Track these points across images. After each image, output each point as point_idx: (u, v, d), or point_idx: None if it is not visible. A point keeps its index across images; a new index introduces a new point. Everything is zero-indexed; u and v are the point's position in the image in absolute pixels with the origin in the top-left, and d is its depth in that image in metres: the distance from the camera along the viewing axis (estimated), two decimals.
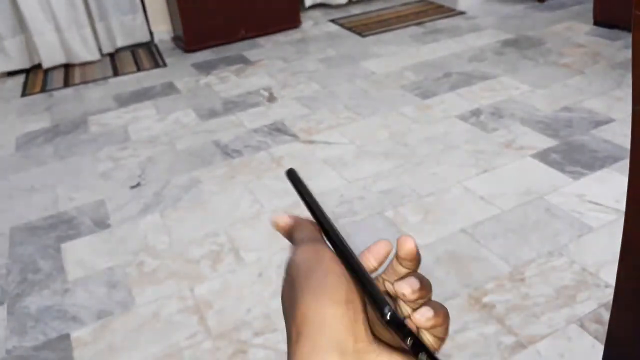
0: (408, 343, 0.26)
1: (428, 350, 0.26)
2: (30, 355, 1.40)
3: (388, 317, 0.27)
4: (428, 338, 0.29)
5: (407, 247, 0.31)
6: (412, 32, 3.46)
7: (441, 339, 0.29)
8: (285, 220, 0.35)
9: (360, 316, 0.28)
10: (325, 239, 0.33)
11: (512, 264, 1.53)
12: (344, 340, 0.26)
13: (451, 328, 1.19)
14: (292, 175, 0.36)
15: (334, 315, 0.26)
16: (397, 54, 3.13)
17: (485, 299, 1.42)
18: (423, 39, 3.32)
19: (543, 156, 2.01)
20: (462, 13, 3.70)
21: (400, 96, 2.60)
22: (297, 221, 0.35)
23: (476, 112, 2.37)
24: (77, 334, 1.45)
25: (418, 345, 0.26)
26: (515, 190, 1.84)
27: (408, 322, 0.29)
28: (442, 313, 0.29)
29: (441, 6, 3.89)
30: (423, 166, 2.03)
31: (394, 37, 3.41)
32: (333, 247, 0.32)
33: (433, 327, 0.28)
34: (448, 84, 2.66)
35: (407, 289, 0.29)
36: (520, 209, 1.75)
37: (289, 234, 0.34)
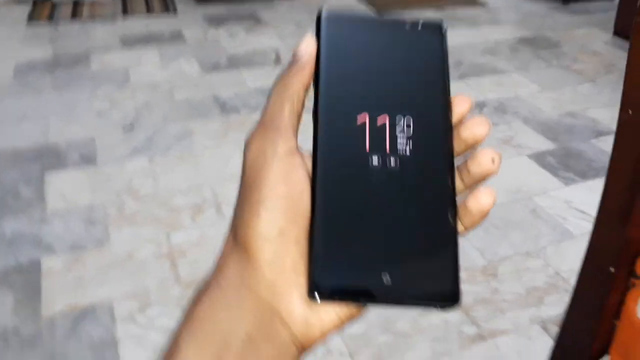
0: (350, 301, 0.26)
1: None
2: None
3: (318, 300, 0.26)
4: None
5: (484, 201, 0.27)
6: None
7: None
8: (309, 48, 0.29)
9: (291, 248, 0.26)
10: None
11: (487, 258, 1.53)
12: (263, 273, 0.26)
13: (416, 311, 1.18)
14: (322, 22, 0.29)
15: (259, 249, 0.26)
16: None
17: None
18: None
19: (539, 158, 2.00)
20: (484, 4, 3.64)
21: None
22: (293, 65, 0.29)
23: (480, 105, 2.35)
24: (48, 263, 1.46)
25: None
26: (505, 186, 1.83)
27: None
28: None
29: None
30: None
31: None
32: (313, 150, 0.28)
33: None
34: (457, 72, 2.63)
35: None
36: (507, 206, 1.74)
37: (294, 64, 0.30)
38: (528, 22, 3.36)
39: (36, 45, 2.77)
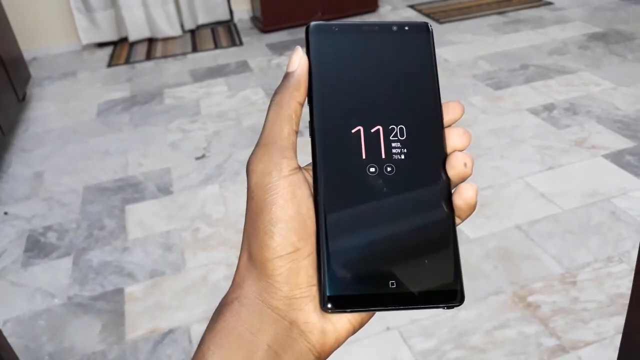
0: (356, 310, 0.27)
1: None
2: (88, 303, 1.52)
3: (330, 312, 0.27)
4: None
5: (467, 195, 0.28)
6: (492, 21, 3.33)
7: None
8: (296, 64, 0.30)
9: (303, 263, 0.27)
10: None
11: (565, 266, 1.46)
12: (280, 288, 0.27)
13: (490, 324, 1.17)
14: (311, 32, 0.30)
15: (274, 267, 0.27)
16: (473, 42, 3.03)
17: (531, 298, 1.37)
18: (503, 28, 3.19)
19: (616, 157, 1.89)
20: (549, 3, 3.51)
21: (472, 85, 2.53)
22: (286, 86, 0.30)
23: (549, 107, 2.26)
24: (130, 289, 1.55)
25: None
26: (580, 190, 1.75)
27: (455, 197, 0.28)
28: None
29: None
30: (485, 158, 1.97)
31: (472, 25, 3.30)
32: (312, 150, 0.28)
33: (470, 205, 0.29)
34: (523, 76, 2.55)
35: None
36: (583, 210, 1.66)
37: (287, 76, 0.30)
38: (598, 17, 3.20)
39: (116, 85, 2.98)
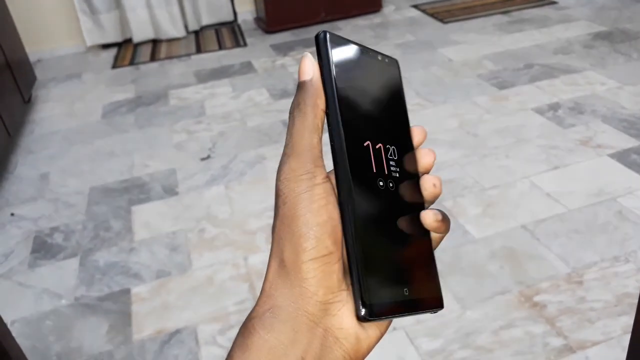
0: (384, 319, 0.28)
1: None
2: (95, 304, 1.52)
3: (361, 318, 0.27)
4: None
5: (426, 222, 0.31)
6: (497, 20, 3.33)
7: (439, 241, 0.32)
8: (311, 71, 0.30)
9: (336, 266, 0.28)
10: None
11: (571, 266, 1.46)
12: (314, 292, 0.27)
13: (496, 324, 1.16)
14: (322, 40, 0.30)
15: (308, 270, 0.27)
16: (477, 42, 3.03)
17: (537, 298, 1.37)
18: (507, 28, 3.19)
19: (622, 156, 1.89)
20: (553, 3, 3.51)
21: (476, 85, 2.53)
22: (309, 96, 0.30)
23: (554, 106, 2.26)
24: (136, 289, 1.55)
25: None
26: (586, 189, 1.75)
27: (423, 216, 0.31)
28: (447, 221, 0.31)
29: None
30: (490, 158, 1.97)
31: (477, 25, 3.30)
32: (334, 164, 0.29)
33: (437, 229, 0.31)
34: (528, 75, 2.55)
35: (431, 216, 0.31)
36: (589, 210, 1.66)
37: (300, 87, 0.30)
38: (603, 16, 3.20)
39: (120, 86, 2.99)
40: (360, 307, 0.27)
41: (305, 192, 0.28)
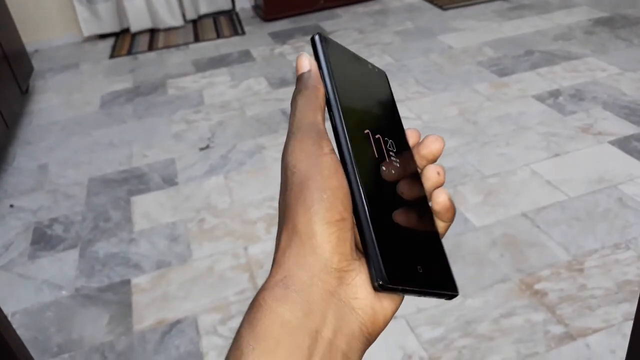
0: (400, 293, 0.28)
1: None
2: (95, 295, 1.52)
3: (378, 286, 0.27)
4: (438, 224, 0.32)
5: (440, 199, 0.31)
6: (497, 7, 3.30)
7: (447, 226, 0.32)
8: (308, 64, 0.32)
9: (349, 234, 0.27)
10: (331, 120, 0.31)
11: (572, 253, 1.46)
12: (329, 259, 0.26)
13: (497, 312, 1.16)
14: (318, 42, 0.32)
15: (323, 234, 0.26)
16: (477, 29, 3.01)
17: (538, 286, 1.37)
18: (507, 14, 3.16)
19: (623, 143, 1.88)
20: None
21: (476, 72, 2.51)
22: (309, 82, 0.31)
23: (555, 93, 2.24)
24: (137, 280, 1.55)
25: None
26: (587, 176, 1.74)
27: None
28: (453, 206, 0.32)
29: None
30: (490, 146, 1.96)
31: (477, 11, 3.27)
32: (336, 142, 0.30)
33: (445, 213, 0.31)
34: (528, 62, 2.53)
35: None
36: (590, 197, 1.65)
37: (298, 80, 0.32)
38: (603, 1, 3.17)
39: (118, 76, 2.97)
40: (378, 274, 0.26)
41: (314, 159, 0.28)
